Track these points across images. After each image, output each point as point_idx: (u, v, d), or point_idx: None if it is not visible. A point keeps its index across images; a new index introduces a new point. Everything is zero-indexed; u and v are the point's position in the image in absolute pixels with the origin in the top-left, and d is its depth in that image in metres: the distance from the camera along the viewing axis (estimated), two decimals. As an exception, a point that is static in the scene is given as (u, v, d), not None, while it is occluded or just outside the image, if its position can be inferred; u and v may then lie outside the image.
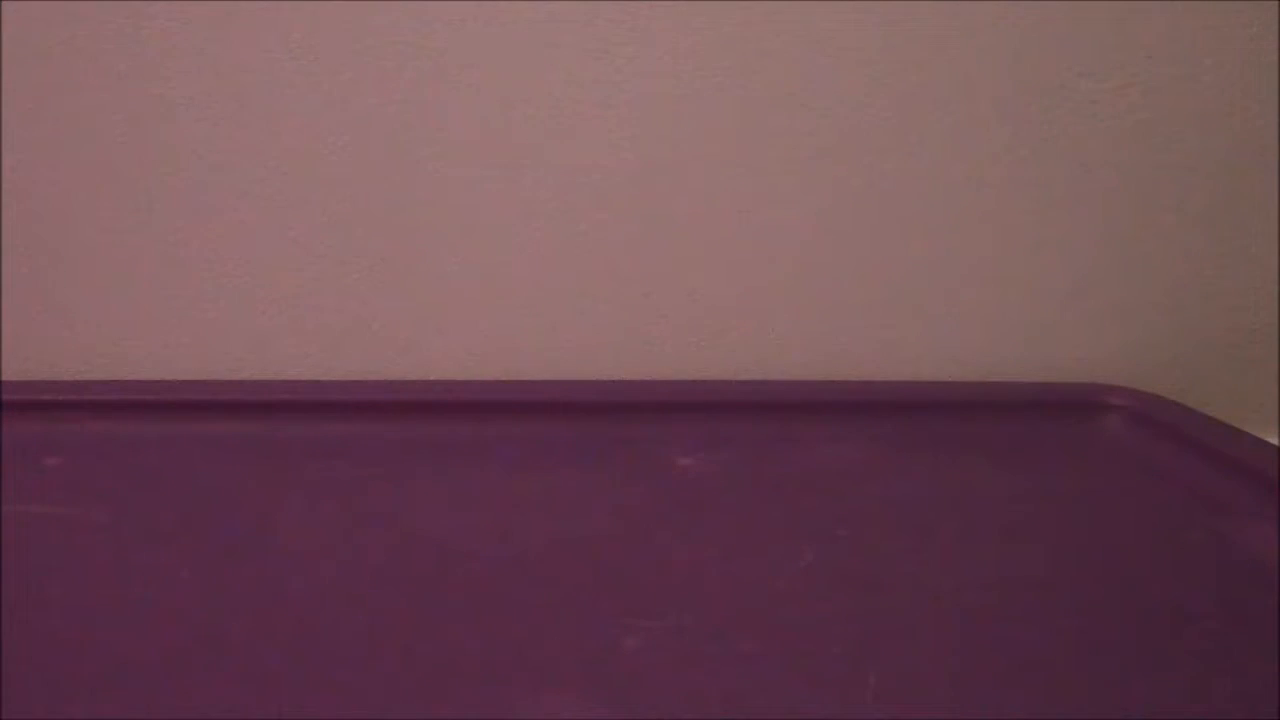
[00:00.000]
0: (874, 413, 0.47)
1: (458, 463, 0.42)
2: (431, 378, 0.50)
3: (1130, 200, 0.49)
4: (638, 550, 0.35)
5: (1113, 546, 0.36)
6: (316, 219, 0.48)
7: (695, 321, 0.50)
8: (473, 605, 0.31)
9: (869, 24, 0.46)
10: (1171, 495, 0.41)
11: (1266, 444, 0.42)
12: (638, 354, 0.50)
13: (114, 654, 0.28)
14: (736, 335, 0.50)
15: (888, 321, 0.50)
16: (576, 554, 0.34)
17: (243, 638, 0.29)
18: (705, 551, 0.35)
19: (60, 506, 0.37)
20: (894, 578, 0.34)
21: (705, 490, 0.40)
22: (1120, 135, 0.48)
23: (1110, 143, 0.48)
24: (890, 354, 0.51)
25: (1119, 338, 0.51)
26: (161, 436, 0.44)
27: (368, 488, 0.39)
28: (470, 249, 0.48)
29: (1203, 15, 0.46)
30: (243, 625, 0.30)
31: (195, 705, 0.26)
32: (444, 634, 0.29)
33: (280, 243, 0.48)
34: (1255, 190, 0.49)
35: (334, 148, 0.46)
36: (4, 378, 0.48)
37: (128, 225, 0.47)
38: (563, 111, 0.46)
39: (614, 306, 0.50)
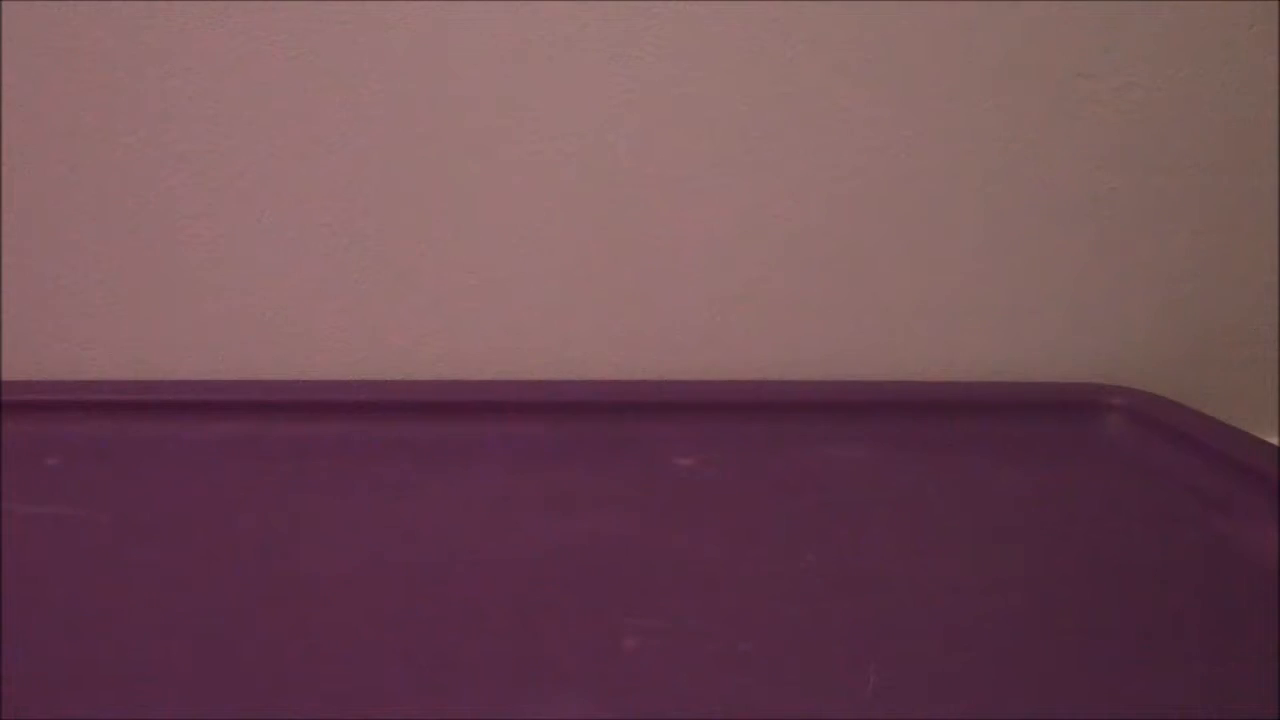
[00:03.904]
0: (874, 413, 0.47)
1: (457, 463, 0.42)
2: (431, 378, 0.50)
3: (1130, 200, 0.49)
4: (637, 550, 0.35)
5: (1112, 546, 0.36)
6: (316, 220, 0.48)
7: (695, 321, 0.50)
8: (472, 605, 0.31)
9: (869, 24, 0.46)
10: (1171, 495, 0.41)
11: (1266, 444, 0.42)
12: (638, 354, 0.50)
13: (114, 654, 0.28)
14: (736, 335, 0.50)
15: (888, 321, 0.50)
16: (576, 554, 0.34)
17: (242, 637, 0.29)
18: (705, 552, 0.35)
19: (60, 506, 0.37)
20: (894, 578, 0.34)
21: (705, 490, 0.40)
22: (1120, 136, 0.48)
23: (1110, 143, 0.48)
24: (890, 354, 0.51)
25: (1119, 338, 0.51)
26: (161, 436, 0.44)
27: (367, 488, 0.40)
28: (470, 249, 0.48)
29: (1203, 15, 0.46)
30: (242, 625, 0.30)
31: (195, 705, 0.26)
32: (443, 634, 0.29)
33: (280, 243, 0.48)
34: (1255, 190, 0.49)
35: (334, 148, 0.46)
36: (4, 378, 0.48)
37: (127, 225, 0.47)
38: (563, 112, 0.46)
39: (614, 306, 0.50)
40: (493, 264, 0.49)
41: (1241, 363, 0.52)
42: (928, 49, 0.46)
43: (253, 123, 0.46)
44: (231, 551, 0.34)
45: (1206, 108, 0.48)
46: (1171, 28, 0.46)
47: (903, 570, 0.34)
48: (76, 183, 0.46)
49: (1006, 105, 0.47)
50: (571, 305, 0.49)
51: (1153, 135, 0.48)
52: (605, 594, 0.32)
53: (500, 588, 0.32)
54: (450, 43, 0.45)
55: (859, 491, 0.40)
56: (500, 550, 0.34)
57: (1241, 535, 0.37)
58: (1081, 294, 0.50)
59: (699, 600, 0.32)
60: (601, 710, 0.26)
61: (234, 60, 0.45)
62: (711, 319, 0.50)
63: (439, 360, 0.50)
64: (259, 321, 0.49)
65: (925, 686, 0.28)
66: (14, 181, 0.46)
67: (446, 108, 0.46)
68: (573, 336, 0.50)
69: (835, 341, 0.51)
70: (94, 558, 0.34)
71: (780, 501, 0.39)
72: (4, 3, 0.44)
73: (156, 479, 0.40)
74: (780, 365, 0.50)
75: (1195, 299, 0.51)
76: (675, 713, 0.26)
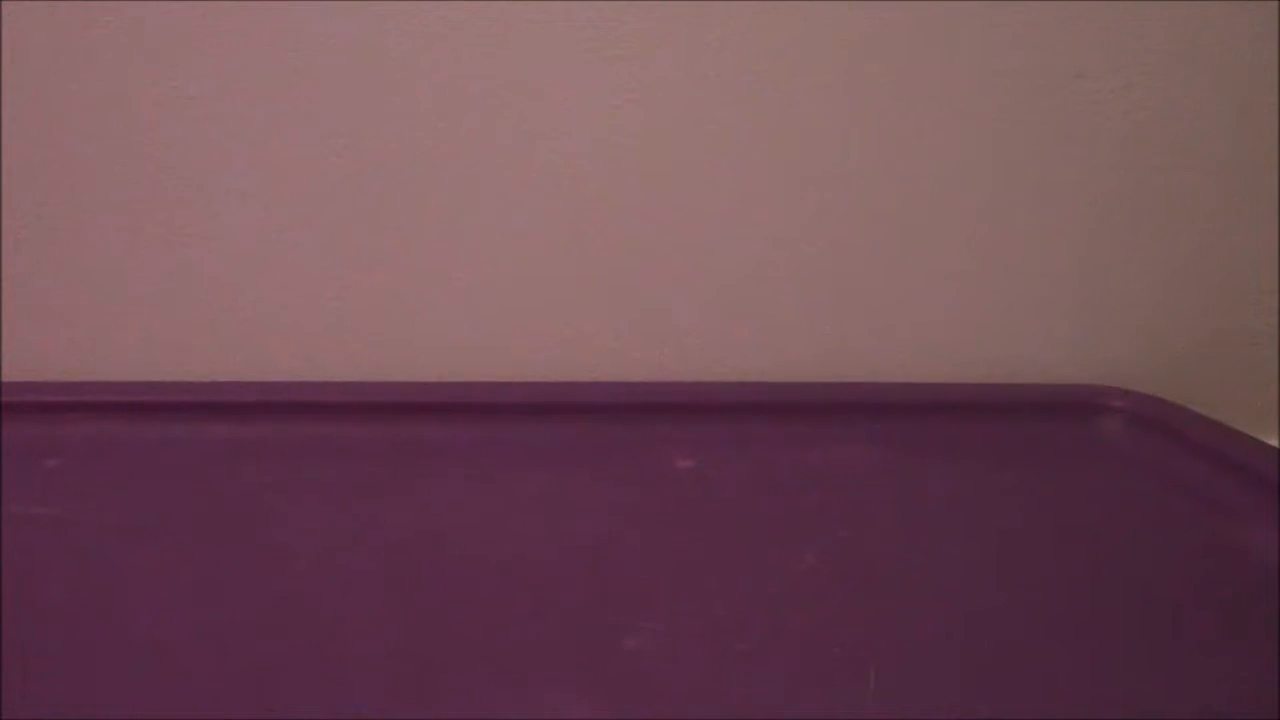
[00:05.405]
0: (874, 413, 0.47)
1: (458, 463, 0.42)
2: (431, 378, 0.50)
3: (1130, 201, 0.49)
4: (637, 551, 0.35)
5: (1112, 547, 0.36)
6: (316, 220, 0.47)
7: (695, 321, 0.50)
8: (473, 605, 0.31)
9: (869, 25, 0.46)
10: (1171, 495, 0.41)
11: (1266, 444, 0.42)
12: (638, 354, 0.50)
13: (113, 654, 0.28)
14: (736, 335, 0.50)
15: (888, 322, 0.50)
16: (576, 554, 0.34)
17: (242, 638, 0.29)
18: (705, 552, 0.35)
19: (60, 506, 0.37)
20: (894, 578, 0.34)
21: (705, 491, 0.40)
22: (1120, 135, 0.48)
23: (1110, 143, 0.48)
24: (890, 355, 0.51)
25: (1119, 338, 0.51)
26: (161, 437, 0.44)
27: (368, 488, 0.39)
28: (470, 250, 0.48)
29: (1203, 15, 0.46)
30: (242, 625, 0.30)
31: (194, 705, 0.26)
32: (444, 634, 0.29)
33: (280, 244, 0.48)
34: (1254, 190, 0.49)
35: (334, 149, 0.46)
36: (4, 378, 0.48)
37: (127, 226, 0.47)
38: (562, 113, 0.46)
39: (614, 306, 0.49)
40: (492, 264, 0.49)
41: (1241, 363, 0.52)
42: (928, 49, 0.46)
43: (253, 123, 0.46)
44: (231, 552, 0.34)
45: (1206, 108, 0.48)
46: (1171, 28, 0.46)
47: (902, 571, 0.34)
48: (77, 183, 0.46)
49: (1006, 105, 0.47)
50: (571, 305, 0.49)
51: (1153, 135, 0.48)
52: (605, 594, 0.32)
53: (500, 588, 0.32)
54: (451, 43, 0.45)
55: (859, 491, 0.40)
56: (500, 551, 0.34)
57: (1242, 536, 0.37)
58: (1081, 294, 0.50)
59: (699, 601, 0.32)
60: (601, 710, 0.26)
61: (234, 60, 0.45)
62: (711, 319, 0.50)
63: (438, 360, 0.50)
64: (259, 321, 0.49)
65: (925, 686, 0.28)
66: (14, 182, 0.46)
67: (446, 108, 0.46)
68: (572, 337, 0.50)
69: (835, 341, 0.50)
70: (93, 559, 0.34)
71: (780, 502, 0.39)
72: (4, 3, 0.44)
73: (156, 480, 0.40)
74: (780, 365, 0.50)
75: (1195, 299, 0.51)
76: (675, 713, 0.26)
